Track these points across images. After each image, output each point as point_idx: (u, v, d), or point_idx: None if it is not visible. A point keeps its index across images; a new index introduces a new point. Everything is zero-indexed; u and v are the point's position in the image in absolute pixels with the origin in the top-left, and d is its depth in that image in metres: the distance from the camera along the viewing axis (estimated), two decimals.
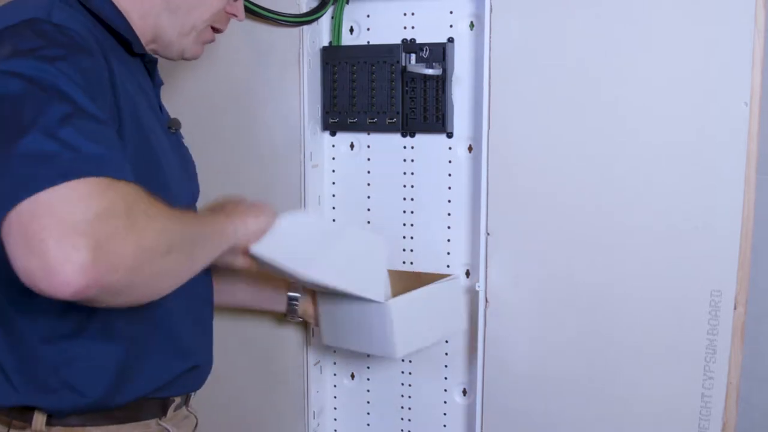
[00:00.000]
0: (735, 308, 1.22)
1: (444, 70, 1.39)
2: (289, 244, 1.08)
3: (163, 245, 0.80)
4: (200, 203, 0.95)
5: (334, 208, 1.55)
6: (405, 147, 1.48)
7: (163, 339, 1.04)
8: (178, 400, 1.11)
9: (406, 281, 1.34)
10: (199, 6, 1.07)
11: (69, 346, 0.97)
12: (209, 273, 1.16)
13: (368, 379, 1.57)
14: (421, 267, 1.49)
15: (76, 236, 0.71)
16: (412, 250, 1.50)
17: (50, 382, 0.96)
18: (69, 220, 0.72)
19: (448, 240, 1.47)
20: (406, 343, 1.25)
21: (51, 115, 0.77)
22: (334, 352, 1.56)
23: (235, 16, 1.16)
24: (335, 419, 1.61)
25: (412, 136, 1.46)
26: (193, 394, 1.17)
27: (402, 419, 1.55)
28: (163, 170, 1.01)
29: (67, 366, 0.97)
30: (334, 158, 1.53)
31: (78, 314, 0.95)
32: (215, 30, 1.14)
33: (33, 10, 0.89)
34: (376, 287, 1.20)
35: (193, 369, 1.10)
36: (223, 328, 1.28)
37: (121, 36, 1.00)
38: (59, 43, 0.84)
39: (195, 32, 1.09)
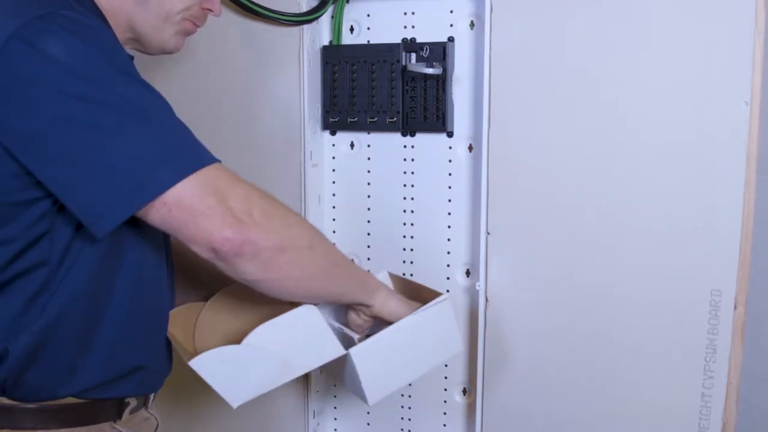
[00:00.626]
0: (735, 308, 1.22)
1: (444, 70, 1.39)
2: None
3: (306, 238, 0.99)
4: None
5: (334, 207, 1.55)
6: (405, 146, 1.48)
7: (107, 335, 1.02)
8: (133, 402, 1.08)
9: (405, 291, 1.31)
10: None
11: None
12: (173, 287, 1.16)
13: None
14: (421, 267, 1.49)
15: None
16: (412, 250, 1.50)
17: None
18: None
19: (449, 239, 1.47)
20: (380, 388, 1.16)
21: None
22: None
23: (211, 11, 1.13)
24: (335, 418, 1.61)
25: (413, 135, 1.46)
26: (152, 396, 1.14)
27: (402, 419, 1.55)
28: None
29: None
30: (334, 157, 1.53)
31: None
32: (194, 24, 1.12)
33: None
34: (330, 347, 1.11)
35: (138, 369, 1.07)
36: None
37: None
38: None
39: (170, 24, 1.07)
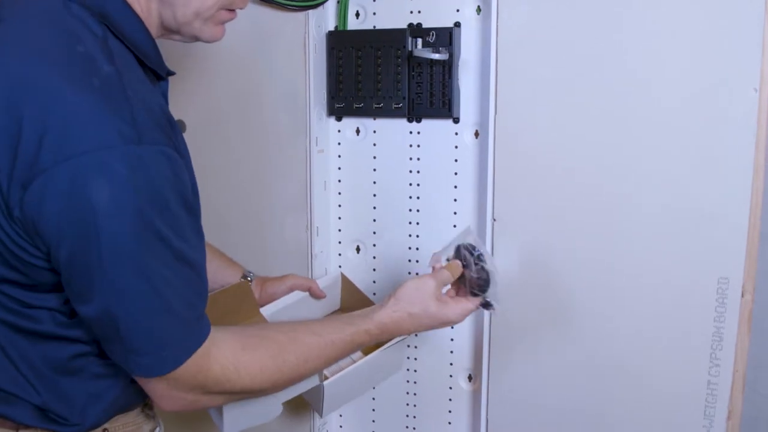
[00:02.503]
0: (742, 296, 1.22)
1: (450, 55, 1.38)
2: None
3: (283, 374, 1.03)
4: (202, 193, 0.94)
5: (339, 193, 1.54)
6: (411, 132, 1.47)
7: None
8: None
9: (349, 295, 1.36)
10: None
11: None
12: None
13: None
14: (426, 253, 1.48)
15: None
16: (417, 236, 1.50)
17: None
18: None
19: (454, 225, 1.46)
20: (335, 406, 1.29)
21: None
22: None
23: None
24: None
25: (419, 121, 1.46)
26: None
27: (407, 405, 1.56)
28: None
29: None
30: (340, 143, 1.53)
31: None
32: (229, 11, 1.05)
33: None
34: (312, 381, 1.19)
35: None
36: None
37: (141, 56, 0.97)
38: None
39: (201, 19, 1.01)
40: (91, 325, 0.90)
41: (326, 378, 1.23)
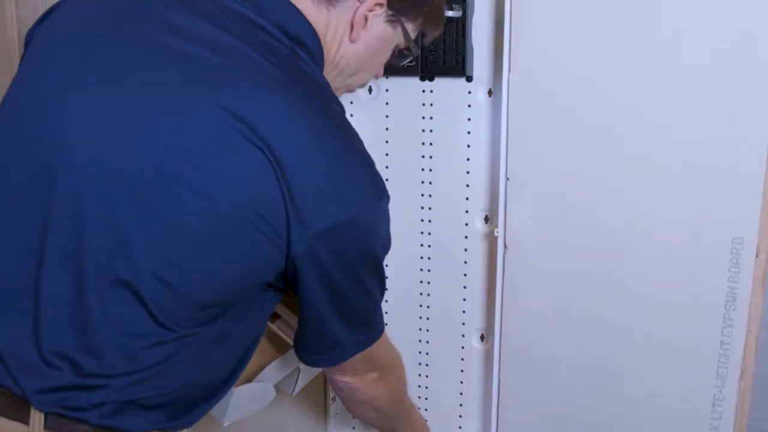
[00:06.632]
0: (756, 256, 1.21)
1: (464, 12, 1.37)
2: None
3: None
4: None
5: None
6: (424, 91, 1.46)
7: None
8: None
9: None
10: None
11: None
12: None
13: (386, 324, 1.57)
14: (439, 213, 1.49)
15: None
16: (430, 196, 1.49)
17: None
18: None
19: (467, 185, 1.46)
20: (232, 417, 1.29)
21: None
22: None
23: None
24: None
25: (431, 80, 1.44)
26: None
27: (419, 364, 1.56)
28: None
29: None
30: (352, 102, 1.52)
31: None
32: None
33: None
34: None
35: None
36: None
37: None
38: None
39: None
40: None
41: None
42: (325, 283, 0.94)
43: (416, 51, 1.15)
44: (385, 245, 0.99)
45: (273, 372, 1.23)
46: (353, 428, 1.67)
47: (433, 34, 1.19)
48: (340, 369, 1.09)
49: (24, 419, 0.89)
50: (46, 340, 0.87)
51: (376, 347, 1.07)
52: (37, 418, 0.88)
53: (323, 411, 1.69)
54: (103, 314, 0.86)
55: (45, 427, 0.88)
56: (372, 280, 0.99)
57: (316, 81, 0.96)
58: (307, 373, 1.30)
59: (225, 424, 1.20)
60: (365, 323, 1.05)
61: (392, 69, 1.42)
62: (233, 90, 0.86)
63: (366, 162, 0.95)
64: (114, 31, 0.92)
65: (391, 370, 1.18)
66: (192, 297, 0.88)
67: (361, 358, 1.07)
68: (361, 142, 0.97)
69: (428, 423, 1.44)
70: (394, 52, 1.13)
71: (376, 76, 1.17)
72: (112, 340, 0.87)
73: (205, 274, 0.88)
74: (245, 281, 0.92)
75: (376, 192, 0.94)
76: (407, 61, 1.20)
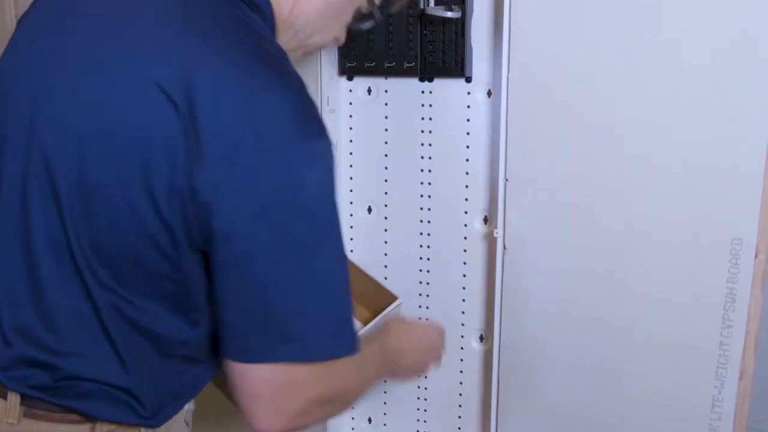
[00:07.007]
0: (756, 256, 1.21)
1: (463, 13, 1.37)
2: None
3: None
4: None
5: (351, 153, 1.54)
6: (423, 92, 1.46)
7: None
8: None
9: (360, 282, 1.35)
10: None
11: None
12: None
13: None
14: (438, 214, 1.49)
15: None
16: (429, 197, 1.49)
17: None
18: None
19: (466, 186, 1.46)
20: None
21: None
22: None
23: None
24: None
25: (431, 80, 1.44)
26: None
27: None
28: None
29: None
30: (351, 103, 1.52)
31: None
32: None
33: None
34: None
35: None
36: None
37: None
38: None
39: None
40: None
41: None
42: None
43: (379, 16, 1.10)
44: (323, 197, 0.91)
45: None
46: (352, 419, 1.66)
47: (399, 2, 1.18)
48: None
49: (3, 395, 0.92)
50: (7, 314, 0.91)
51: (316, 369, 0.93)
52: (12, 396, 0.91)
53: None
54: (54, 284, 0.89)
55: (21, 404, 0.91)
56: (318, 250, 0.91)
57: (242, 20, 0.91)
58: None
59: None
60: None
61: (392, 70, 1.43)
62: (142, 43, 0.87)
63: (294, 99, 0.88)
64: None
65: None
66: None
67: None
68: (298, 82, 0.91)
69: (428, 423, 1.44)
70: (356, 15, 1.08)
71: (336, 40, 1.10)
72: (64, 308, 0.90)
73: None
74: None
75: (304, 131, 0.86)
76: (370, 25, 1.13)
